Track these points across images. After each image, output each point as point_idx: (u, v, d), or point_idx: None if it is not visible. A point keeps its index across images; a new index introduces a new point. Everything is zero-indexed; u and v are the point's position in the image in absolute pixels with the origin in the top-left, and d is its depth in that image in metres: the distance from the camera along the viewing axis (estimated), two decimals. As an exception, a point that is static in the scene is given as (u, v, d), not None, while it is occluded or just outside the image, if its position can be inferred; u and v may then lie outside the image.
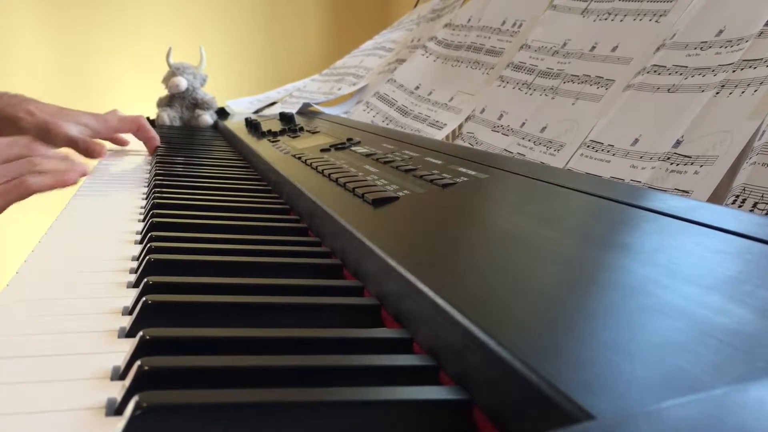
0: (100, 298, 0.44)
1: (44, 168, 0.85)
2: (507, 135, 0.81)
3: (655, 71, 0.66)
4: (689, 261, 0.30)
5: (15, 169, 0.84)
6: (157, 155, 1.09)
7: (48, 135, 1.02)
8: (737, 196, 0.47)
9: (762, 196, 0.46)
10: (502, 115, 0.84)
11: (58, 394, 0.30)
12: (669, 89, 0.63)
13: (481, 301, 0.31)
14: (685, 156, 0.55)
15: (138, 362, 0.30)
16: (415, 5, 1.59)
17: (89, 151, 1.04)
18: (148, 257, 0.47)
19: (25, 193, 0.81)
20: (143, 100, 1.71)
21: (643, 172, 0.58)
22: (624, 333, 0.25)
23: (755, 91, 0.54)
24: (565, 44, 0.83)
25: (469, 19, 1.12)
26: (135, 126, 1.16)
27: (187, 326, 0.37)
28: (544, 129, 0.75)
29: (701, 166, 0.53)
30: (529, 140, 0.76)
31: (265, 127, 1.11)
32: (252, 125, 1.19)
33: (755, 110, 0.53)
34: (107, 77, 2.57)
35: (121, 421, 0.26)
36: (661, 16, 0.72)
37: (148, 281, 0.42)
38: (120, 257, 0.53)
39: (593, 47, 0.78)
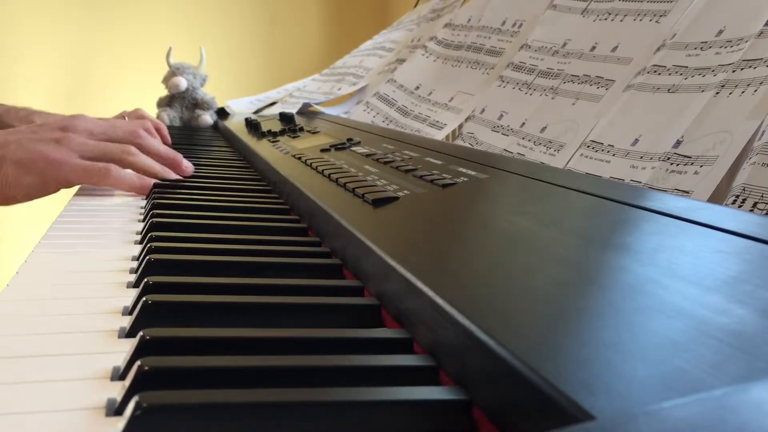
0: (100, 298, 0.44)
1: (137, 162, 0.79)
2: (507, 135, 0.81)
3: (655, 71, 0.66)
4: (689, 261, 0.30)
5: (109, 150, 0.79)
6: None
7: None
8: (737, 196, 0.47)
9: (762, 196, 0.46)
10: (502, 115, 0.84)
11: (58, 394, 0.30)
12: (669, 89, 0.63)
13: (481, 301, 0.31)
14: (685, 156, 0.55)
15: (138, 362, 0.30)
16: (415, 5, 1.59)
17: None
18: (148, 257, 0.47)
19: (103, 182, 0.76)
20: (143, 101, 1.71)
21: (643, 172, 0.58)
22: (624, 333, 0.25)
23: (755, 91, 0.54)
24: (565, 44, 0.83)
25: (469, 19, 1.12)
26: None
27: (187, 326, 0.37)
28: (544, 129, 0.75)
29: (701, 166, 0.53)
30: (529, 140, 0.76)
31: (265, 127, 1.11)
32: (252, 125, 1.19)
33: (755, 110, 0.53)
34: (107, 77, 2.57)
35: (121, 422, 0.26)
36: (661, 16, 0.72)
37: (148, 281, 0.42)
38: (120, 257, 0.53)
39: (593, 47, 0.78)
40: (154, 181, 0.80)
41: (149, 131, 1.12)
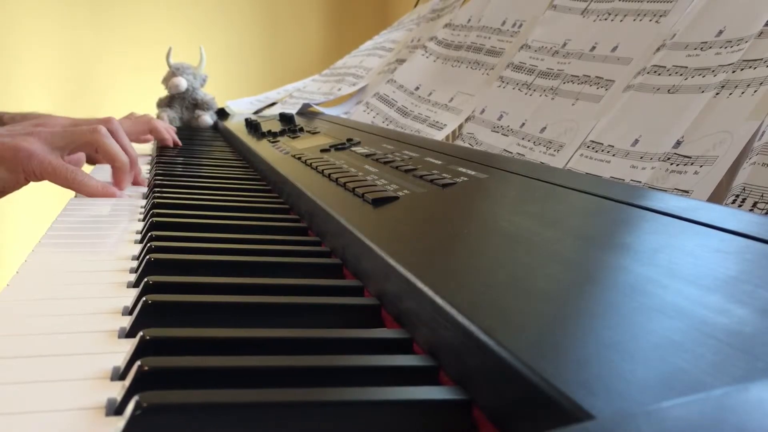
0: (100, 298, 0.44)
1: (104, 143, 0.80)
2: (507, 135, 0.81)
3: (655, 72, 0.66)
4: (689, 261, 0.30)
5: (78, 133, 0.80)
6: (157, 155, 1.09)
7: None
8: (737, 196, 0.47)
9: (762, 196, 0.46)
10: (502, 116, 0.84)
11: (58, 394, 0.30)
12: (669, 90, 0.63)
13: (481, 301, 0.31)
14: (685, 156, 0.55)
15: (138, 362, 0.30)
16: (415, 5, 1.59)
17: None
18: (148, 257, 0.47)
19: (68, 185, 0.77)
20: (143, 101, 1.71)
21: (643, 173, 0.58)
22: (624, 333, 0.25)
23: (755, 91, 0.54)
24: (565, 44, 0.83)
25: (469, 19, 1.12)
26: (147, 130, 1.16)
27: (187, 326, 0.37)
28: (543, 129, 0.75)
29: (701, 166, 0.53)
30: (529, 140, 0.76)
31: (265, 128, 1.11)
32: (252, 126, 1.19)
33: (755, 110, 0.53)
34: (107, 78, 2.57)
35: (121, 421, 0.26)
36: (661, 16, 0.72)
37: (148, 281, 0.42)
38: (120, 257, 0.53)
39: (593, 47, 0.78)
40: (116, 190, 0.80)
41: (156, 129, 1.12)
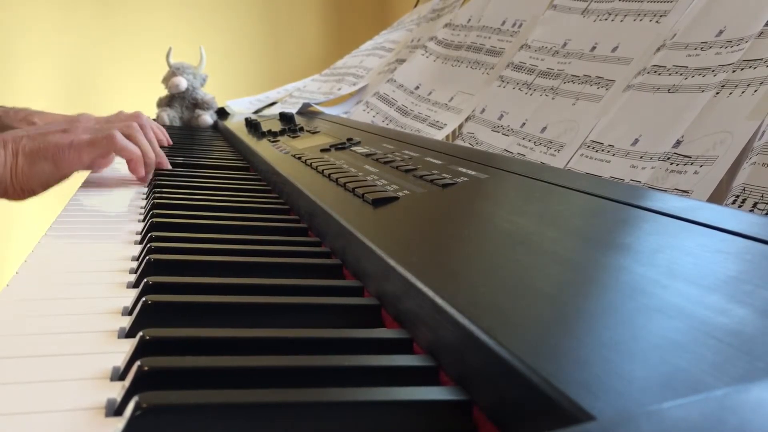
0: (100, 298, 0.44)
1: (138, 138, 0.85)
2: (507, 135, 0.81)
3: (655, 71, 0.66)
4: (689, 261, 0.30)
5: (107, 127, 0.85)
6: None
7: None
8: (737, 196, 0.47)
9: (762, 196, 0.46)
10: (502, 116, 0.84)
11: (58, 394, 0.30)
12: (669, 89, 0.63)
13: (481, 301, 0.31)
14: (685, 156, 0.55)
15: (138, 362, 0.30)
16: (415, 5, 1.59)
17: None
18: (148, 257, 0.47)
19: (110, 148, 0.80)
20: (143, 101, 1.71)
21: (643, 172, 0.58)
22: (624, 333, 0.25)
23: (755, 91, 0.54)
24: (565, 44, 0.83)
25: (469, 19, 1.12)
26: None
27: (187, 326, 0.37)
28: (544, 129, 0.75)
29: (701, 166, 0.53)
30: (530, 140, 0.76)
31: (265, 127, 1.11)
32: (252, 125, 1.19)
33: (755, 110, 0.53)
34: (107, 78, 2.57)
35: (121, 422, 0.26)
36: (661, 16, 0.72)
37: (148, 281, 0.42)
38: (120, 257, 0.53)
39: (593, 47, 0.78)
40: (153, 157, 0.86)
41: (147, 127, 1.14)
